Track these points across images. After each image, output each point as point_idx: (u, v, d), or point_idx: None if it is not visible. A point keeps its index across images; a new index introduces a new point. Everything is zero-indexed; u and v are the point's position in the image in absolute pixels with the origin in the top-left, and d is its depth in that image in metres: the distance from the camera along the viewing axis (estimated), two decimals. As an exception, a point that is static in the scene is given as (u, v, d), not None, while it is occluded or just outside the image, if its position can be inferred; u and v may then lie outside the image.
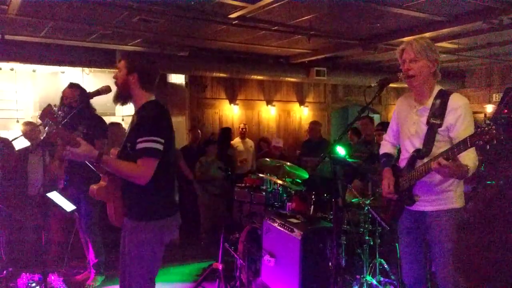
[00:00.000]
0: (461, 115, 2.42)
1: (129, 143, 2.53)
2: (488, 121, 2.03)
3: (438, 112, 2.48)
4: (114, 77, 2.65)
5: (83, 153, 2.41)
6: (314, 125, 7.48)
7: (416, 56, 2.49)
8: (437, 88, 2.57)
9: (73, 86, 4.25)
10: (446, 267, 2.49)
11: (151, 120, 2.50)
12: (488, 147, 2.02)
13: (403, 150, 2.71)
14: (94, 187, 2.64)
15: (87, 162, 2.56)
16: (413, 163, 2.55)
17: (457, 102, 2.47)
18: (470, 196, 2.60)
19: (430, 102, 2.54)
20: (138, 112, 2.61)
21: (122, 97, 2.64)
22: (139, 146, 2.44)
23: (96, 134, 4.15)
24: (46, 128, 2.38)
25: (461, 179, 2.38)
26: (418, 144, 2.56)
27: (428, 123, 2.51)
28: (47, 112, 2.54)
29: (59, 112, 4.07)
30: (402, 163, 2.67)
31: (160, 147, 2.45)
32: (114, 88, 2.70)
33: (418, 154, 2.53)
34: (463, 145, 2.15)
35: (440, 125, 2.46)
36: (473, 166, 2.30)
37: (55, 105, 2.69)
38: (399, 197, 2.63)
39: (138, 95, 2.61)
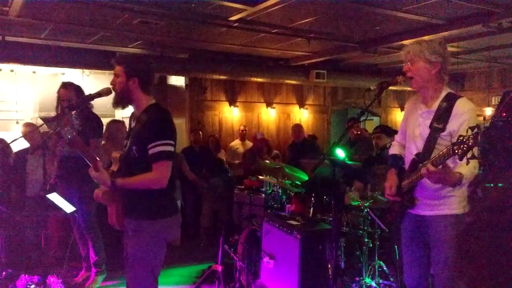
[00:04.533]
0: (465, 121, 2.35)
1: (135, 146, 2.54)
2: (470, 130, 1.97)
3: (442, 117, 2.43)
4: (112, 83, 2.64)
5: (98, 178, 2.51)
6: (296, 127, 7.46)
7: (413, 57, 2.49)
8: (445, 91, 2.52)
9: (67, 86, 4.20)
10: (444, 272, 2.48)
11: (158, 123, 2.53)
12: (469, 156, 1.96)
13: (407, 152, 2.68)
14: (99, 192, 2.61)
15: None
16: (415, 166, 2.52)
17: (462, 108, 2.41)
18: (469, 199, 2.56)
19: (436, 105, 2.50)
20: (141, 116, 2.62)
21: (122, 102, 2.65)
22: (153, 151, 2.47)
23: (92, 133, 4.13)
24: (67, 135, 2.42)
25: (453, 186, 2.30)
26: (421, 147, 2.52)
27: (431, 126, 2.48)
28: (67, 120, 2.57)
29: (76, 121, 4.11)
30: (407, 165, 2.64)
31: (172, 148, 2.52)
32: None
33: (418, 158, 2.49)
34: (447, 153, 2.10)
35: (442, 130, 2.42)
36: (469, 174, 2.23)
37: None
38: (401, 199, 2.62)
39: (139, 98, 2.63)
